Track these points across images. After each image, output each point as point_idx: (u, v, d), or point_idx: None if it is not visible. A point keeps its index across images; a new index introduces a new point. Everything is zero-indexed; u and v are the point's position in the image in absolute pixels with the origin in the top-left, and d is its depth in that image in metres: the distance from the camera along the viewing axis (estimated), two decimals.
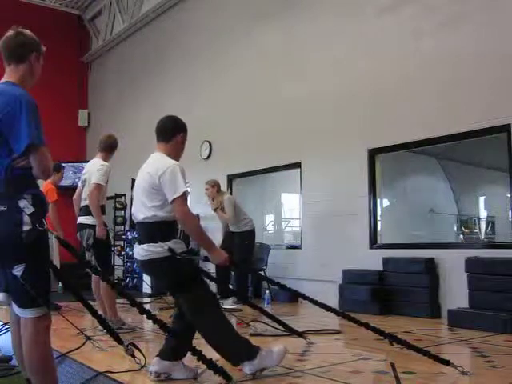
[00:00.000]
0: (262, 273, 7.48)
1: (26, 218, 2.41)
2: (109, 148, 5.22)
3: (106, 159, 5.15)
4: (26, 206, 2.42)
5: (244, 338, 3.21)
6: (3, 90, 2.50)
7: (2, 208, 2.41)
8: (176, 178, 3.07)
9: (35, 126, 2.39)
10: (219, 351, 3.14)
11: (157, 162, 3.23)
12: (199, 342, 3.30)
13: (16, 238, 2.39)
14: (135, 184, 3.38)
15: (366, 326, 3.61)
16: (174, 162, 3.19)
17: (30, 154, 2.39)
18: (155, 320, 3.01)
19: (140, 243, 3.18)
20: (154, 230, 3.12)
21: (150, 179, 3.15)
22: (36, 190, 2.53)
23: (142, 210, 3.18)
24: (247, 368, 3.14)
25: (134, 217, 3.28)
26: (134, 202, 3.33)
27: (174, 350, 3.18)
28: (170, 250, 3.05)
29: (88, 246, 4.96)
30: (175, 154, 3.34)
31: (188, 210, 3.13)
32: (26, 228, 2.40)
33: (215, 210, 7.21)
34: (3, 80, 2.58)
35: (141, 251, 3.14)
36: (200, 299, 3.14)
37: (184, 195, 3.07)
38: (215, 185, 7.38)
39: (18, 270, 2.40)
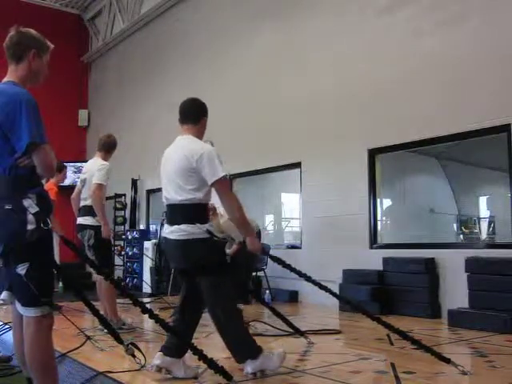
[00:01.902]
0: (263, 273, 7.49)
1: (31, 218, 2.42)
2: (108, 148, 5.22)
3: (105, 159, 5.15)
4: (30, 205, 2.43)
5: (251, 338, 3.24)
6: (3, 89, 2.52)
7: (7, 207, 2.42)
8: (214, 161, 3.12)
9: (36, 124, 2.40)
10: (227, 344, 3.17)
11: (191, 145, 3.24)
12: (199, 341, 3.31)
13: (20, 237, 2.40)
14: (164, 166, 3.36)
15: (378, 320, 3.58)
16: (208, 145, 3.24)
17: (33, 152, 2.40)
18: (157, 319, 3.01)
19: (173, 224, 3.19)
20: (193, 212, 3.14)
21: (186, 162, 3.15)
22: (41, 189, 2.54)
23: (179, 192, 3.18)
24: (249, 367, 3.16)
25: (167, 199, 3.27)
26: (165, 186, 3.32)
27: (176, 347, 3.19)
28: (209, 231, 3.11)
29: (89, 246, 4.95)
30: (201, 135, 3.40)
31: (230, 192, 3.20)
32: (30, 227, 2.41)
33: None
34: (5, 80, 2.60)
35: (176, 230, 3.14)
36: (223, 286, 3.18)
37: (224, 177, 3.12)
38: (210, 209, 7.34)
39: (21, 269, 2.41)
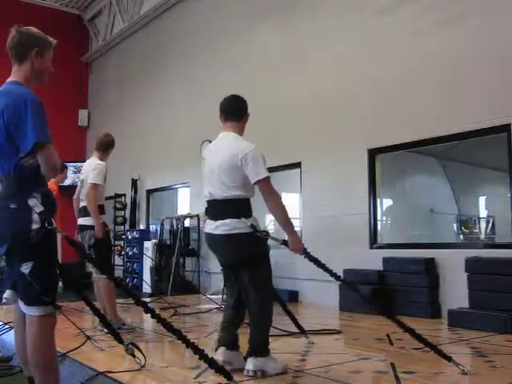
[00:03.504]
0: None
1: (36, 217, 2.43)
2: (106, 147, 5.21)
3: (102, 158, 5.15)
4: (35, 204, 2.44)
5: (268, 337, 3.32)
6: (8, 90, 2.53)
7: (12, 206, 2.44)
8: (258, 160, 3.21)
9: (41, 124, 2.41)
10: (254, 332, 3.26)
11: (236, 143, 3.32)
12: (200, 341, 3.31)
13: (25, 236, 2.41)
14: (208, 162, 3.42)
15: (393, 318, 3.55)
16: (253, 145, 3.29)
17: (37, 152, 2.41)
18: (159, 319, 3.01)
19: (217, 219, 3.26)
20: (238, 207, 3.25)
21: (231, 160, 3.23)
22: (45, 188, 2.55)
23: (223, 188, 3.27)
24: (251, 365, 3.18)
25: (211, 194, 3.34)
26: (208, 181, 3.38)
27: (234, 341, 3.34)
28: (252, 226, 3.20)
29: (89, 246, 4.95)
30: (243, 132, 3.48)
31: (275, 191, 3.26)
32: (34, 226, 2.42)
33: None
34: (9, 80, 2.60)
35: (221, 225, 3.23)
36: (264, 279, 3.31)
37: (267, 177, 3.21)
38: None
39: (25, 268, 2.42)
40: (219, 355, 3.21)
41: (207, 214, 3.45)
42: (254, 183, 3.22)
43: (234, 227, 3.19)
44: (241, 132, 3.46)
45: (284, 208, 3.28)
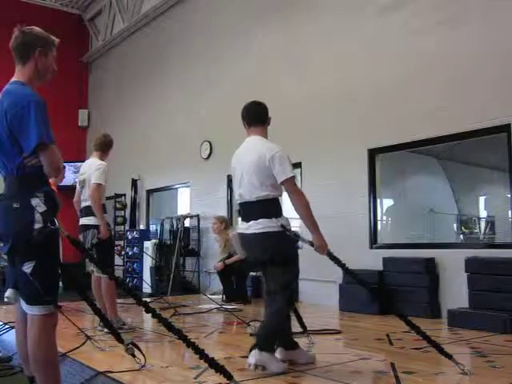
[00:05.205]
0: None
1: (38, 216, 2.44)
2: (105, 147, 5.24)
3: (102, 158, 5.16)
4: (38, 204, 2.45)
5: (278, 336, 3.41)
6: (11, 90, 2.53)
7: (15, 206, 2.45)
8: (285, 161, 3.37)
9: (44, 125, 2.43)
10: (265, 327, 3.36)
11: (262, 145, 3.48)
12: (200, 341, 3.31)
13: (27, 235, 2.42)
14: (237, 166, 3.57)
15: (404, 319, 3.60)
16: (279, 146, 3.46)
17: (40, 152, 2.43)
18: (160, 319, 3.00)
19: (250, 220, 3.40)
20: (268, 207, 3.38)
21: (259, 161, 3.39)
22: (48, 188, 2.56)
23: (253, 190, 3.41)
24: (254, 357, 3.21)
25: (242, 197, 3.48)
26: (239, 184, 3.51)
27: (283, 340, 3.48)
28: (283, 226, 3.33)
29: (92, 245, 4.96)
30: (267, 135, 3.62)
31: (299, 190, 3.45)
32: (37, 226, 2.43)
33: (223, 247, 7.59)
34: (12, 80, 2.61)
35: (253, 225, 3.37)
36: (288, 280, 3.38)
37: (293, 177, 3.36)
38: (223, 221, 7.51)
39: (27, 267, 2.43)
40: (278, 354, 3.39)
41: (239, 215, 3.58)
42: (281, 182, 3.34)
43: (266, 226, 3.33)
44: (265, 135, 3.60)
45: (308, 206, 3.39)
